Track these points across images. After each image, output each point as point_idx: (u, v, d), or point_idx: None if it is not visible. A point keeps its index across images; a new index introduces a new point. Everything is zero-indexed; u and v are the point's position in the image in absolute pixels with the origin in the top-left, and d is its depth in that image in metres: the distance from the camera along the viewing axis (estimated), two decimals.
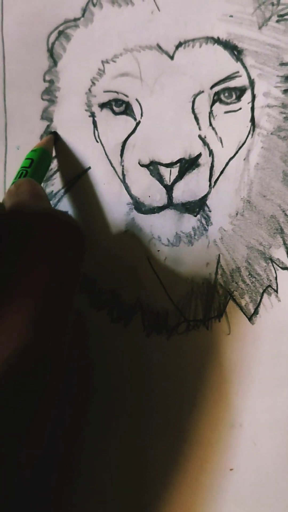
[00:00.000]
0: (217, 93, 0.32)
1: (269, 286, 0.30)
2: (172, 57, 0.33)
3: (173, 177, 0.32)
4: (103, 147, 0.33)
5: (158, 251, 0.31)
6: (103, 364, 0.31)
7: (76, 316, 0.24)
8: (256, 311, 0.30)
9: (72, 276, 0.24)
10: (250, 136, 0.32)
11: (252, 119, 0.32)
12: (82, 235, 0.25)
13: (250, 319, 0.30)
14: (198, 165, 0.32)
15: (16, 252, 0.23)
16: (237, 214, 0.31)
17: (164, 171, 0.32)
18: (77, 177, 0.34)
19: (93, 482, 0.30)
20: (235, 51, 0.33)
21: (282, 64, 0.32)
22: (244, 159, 0.32)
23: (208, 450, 0.29)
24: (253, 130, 0.32)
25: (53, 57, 0.35)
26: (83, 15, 0.34)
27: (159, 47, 0.33)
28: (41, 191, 0.29)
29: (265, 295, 0.30)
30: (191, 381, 0.30)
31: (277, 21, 0.33)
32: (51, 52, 0.35)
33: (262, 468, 0.29)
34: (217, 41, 0.33)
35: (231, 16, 0.33)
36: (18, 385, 0.21)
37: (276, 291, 0.30)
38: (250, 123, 0.32)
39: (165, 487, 0.29)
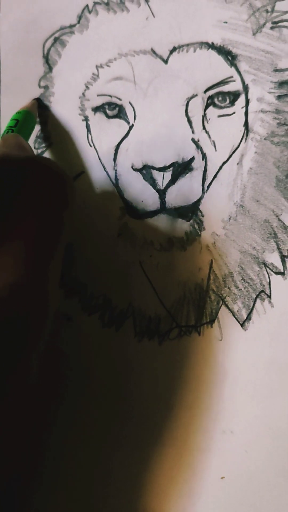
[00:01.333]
0: (210, 97, 0.32)
1: (262, 291, 0.30)
2: (166, 61, 0.33)
3: (166, 182, 0.32)
4: (97, 151, 0.33)
5: (151, 256, 0.31)
6: (94, 369, 0.30)
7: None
8: (248, 317, 0.30)
9: (56, 220, 0.25)
10: (243, 140, 0.32)
11: (246, 124, 0.32)
12: (64, 180, 0.26)
13: (242, 324, 0.30)
14: (191, 169, 0.32)
15: (3, 198, 0.23)
16: (230, 218, 0.31)
17: (157, 175, 0.32)
18: None
19: (82, 490, 0.30)
20: (229, 56, 0.33)
21: (276, 70, 0.32)
22: (238, 164, 0.32)
23: (199, 457, 0.29)
24: (247, 135, 0.32)
25: (48, 63, 0.35)
26: (78, 22, 0.35)
27: (153, 51, 0.34)
28: (26, 144, 0.30)
29: (258, 300, 0.30)
30: (183, 387, 0.30)
31: (271, 28, 0.33)
32: (46, 58, 0.35)
33: (254, 476, 0.28)
34: (212, 46, 0.33)
35: (226, 22, 0.33)
36: (5, 320, 0.21)
37: (269, 296, 0.30)
38: (243, 128, 0.32)
39: (156, 494, 0.29)
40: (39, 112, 0.35)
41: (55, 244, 0.24)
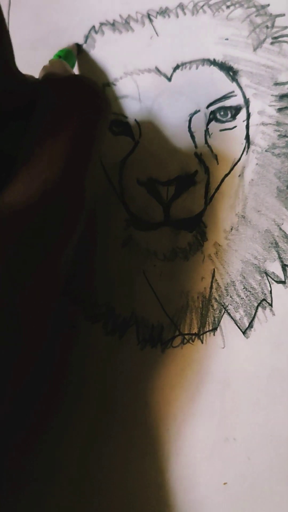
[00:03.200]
0: (213, 112, 0.33)
1: (264, 299, 0.31)
2: (169, 79, 0.34)
3: (170, 195, 0.33)
4: (103, 166, 0.35)
5: (154, 266, 0.32)
6: (97, 377, 0.31)
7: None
8: (250, 325, 0.30)
9: (91, 127, 0.28)
10: (245, 153, 0.33)
11: (247, 137, 0.33)
12: (100, 95, 0.29)
13: (244, 332, 0.30)
14: (194, 183, 0.33)
15: (47, 109, 0.27)
16: (231, 229, 0.32)
17: (161, 189, 0.33)
18: None
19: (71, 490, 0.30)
20: (231, 72, 0.34)
21: (276, 84, 0.33)
22: (239, 176, 0.32)
23: (202, 464, 0.29)
24: (248, 147, 0.33)
25: None
26: (85, 42, 0.36)
27: (157, 69, 0.35)
28: (70, 69, 0.34)
29: (259, 309, 0.31)
30: (185, 394, 0.30)
31: (272, 43, 0.34)
32: None
33: (256, 483, 0.29)
34: (213, 62, 0.34)
35: (227, 39, 0.34)
36: (43, 215, 0.24)
37: (271, 304, 0.30)
38: (245, 141, 0.33)
39: (159, 501, 0.29)
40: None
41: (90, 148, 0.27)
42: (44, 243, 0.24)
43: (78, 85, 0.28)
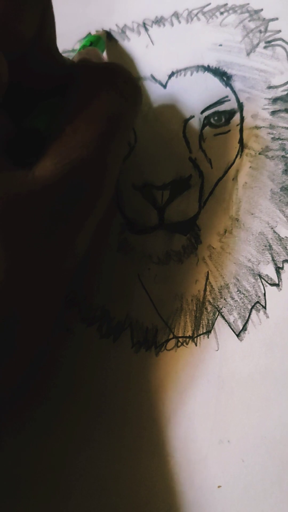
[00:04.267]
0: (207, 117, 0.34)
1: (258, 302, 0.31)
2: (165, 86, 0.35)
3: (165, 199, 0.33)
4: None
5: (149, 269, 0.32)
6: (91, 380, 0.31)
7: None
8: (244, 327, 0.30)
9: (122, 111, 0.28)
10: (238, 156, 0.33)
11: (241, 140, 0.33)
12: (136, 85, 0.30)
13: (238, 335, 0.30)
14: (188, 187, 0.33)
15: (82, 92, 0.28)
16: (225, 232, 0.32)
17: (156, 193, 0.33)
18: None
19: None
20: (225, 77, 0.34)
21: (269, 87, 0.33)
22: (233, 179, 0.33)
23: (195, 466, 0.29)
24: (242, 151, 0.33)
25: None
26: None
27: (152, 77, 0.35)
28: (104, 58, 0.36)
29: (253, 311, 0.30)
30: (179, 397, 0.30)
31: (265, 47, 0.34)
32: None
33: (250, 485, 0.28)
34: (207, 68, 0.34)
35: (221, 45, 0.35)
36: (67, 193, 0.25)
37: (265, 307, 0.30)
38: (238, 144, 0.33)
39: (153, 504, 0.29)
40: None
41: (120, 134, 0.28)
42: (64, 220, 0.25)
43: (112, 72, 0.29)
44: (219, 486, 0.29)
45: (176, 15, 0.36)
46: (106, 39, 0.37)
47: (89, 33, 0.38)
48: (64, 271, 0.26)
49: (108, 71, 0.29)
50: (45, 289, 0.25)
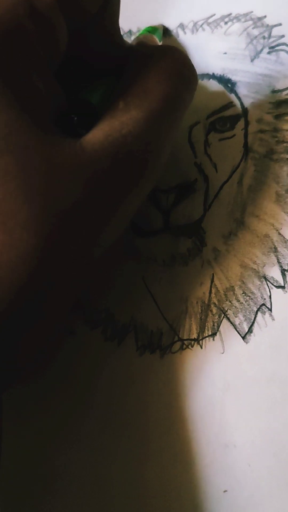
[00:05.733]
0: (212, 123, 0.34)
1: (263, 304, 0.30)
2: None
3: (170, 203, 0.33)
4: None
5: (154, 271, 0.33)
6: (95, 383, 0.31)
7: None
8: (250, 330, 0.30)
9: (179, 99, 0.28)
10: (243, 160, 0.33)
11: (245, 145, 0.33)
12: (192, 68, 0.30)
13: (244, 337, 0.30)
14: (194, 191, 0.33)
15: (139, 71, 0.28)
16: (230, 234, 0.32)
17: (161, 196, 0.33)
18: None
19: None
20: (229, 84, 0.35)
21: (273, 91, 0.34)
22: (238, 183, 0.33)
23: (201, 471, 0.29)
24: (246, 155, 0.33)
25: None
26: None
27: None
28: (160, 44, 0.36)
29: (259, 313, 0.30)
30: (185, 400, 0.30)
31: (269, 53, 0.34)
32: None
33: (256, 490, 0.28)
34: (212, 76, 0.35)
35: (225, 53, 0.35)
36: (115, 167, 0.25)
37: (270, 309, 0.30)
38: (243, 148, 0.33)
39: (158, 509, 0.29)
40: None
41: (175, 114, 0.28)
42: (104, 196, 0.25)
43: (170, 54, 0.29)
44: (225, 491, 0.28)
45: (181, 26, 0.37)
46: (163, 32, 0.38)
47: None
48: (96, 249, 0.26)
49: (165, 52, 0.29)
50: (76, 263, 0.25)
